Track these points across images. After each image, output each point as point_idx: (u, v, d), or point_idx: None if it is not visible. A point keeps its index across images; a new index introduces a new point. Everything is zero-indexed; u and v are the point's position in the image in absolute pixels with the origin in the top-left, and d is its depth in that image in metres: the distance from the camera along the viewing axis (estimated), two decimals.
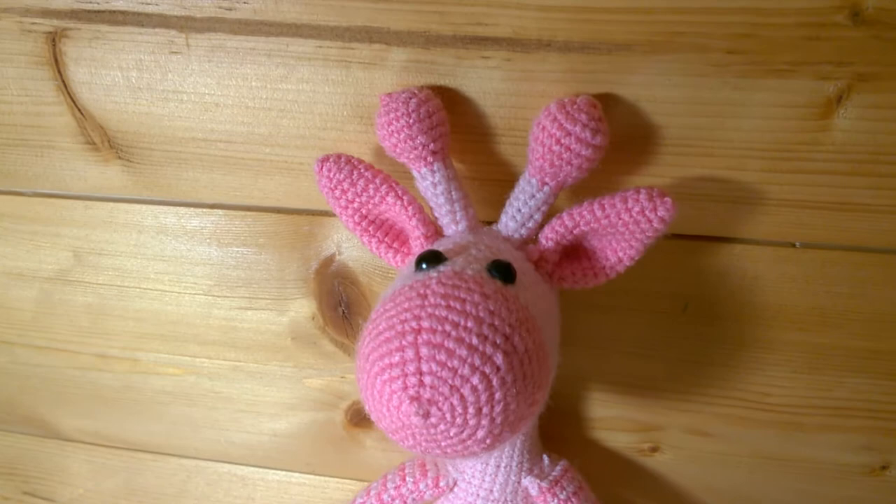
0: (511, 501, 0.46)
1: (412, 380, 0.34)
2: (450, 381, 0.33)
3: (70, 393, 0.61)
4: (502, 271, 0.37)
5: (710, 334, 0.47)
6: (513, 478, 0.46)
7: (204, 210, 0.51)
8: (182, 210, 0.52)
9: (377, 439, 0.56)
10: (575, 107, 0.38)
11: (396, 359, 0.34)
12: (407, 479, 0.48)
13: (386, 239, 0.43)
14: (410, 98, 0.40)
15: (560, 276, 0.41)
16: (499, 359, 0.34)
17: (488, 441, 0.35)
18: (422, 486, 0.48)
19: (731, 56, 0.37)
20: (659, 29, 0.37)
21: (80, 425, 0.63)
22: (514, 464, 0.46)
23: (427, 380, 0.33)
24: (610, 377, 0.49)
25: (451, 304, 0.35)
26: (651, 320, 0.47)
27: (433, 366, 0.33)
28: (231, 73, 0.44)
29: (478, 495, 0.46)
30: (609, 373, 0.49)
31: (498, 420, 0.34)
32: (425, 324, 0.34)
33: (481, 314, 0.34)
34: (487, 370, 0.34)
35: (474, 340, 0.34)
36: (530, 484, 0.46)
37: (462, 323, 0.34)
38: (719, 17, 0.36)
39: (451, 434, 0.34)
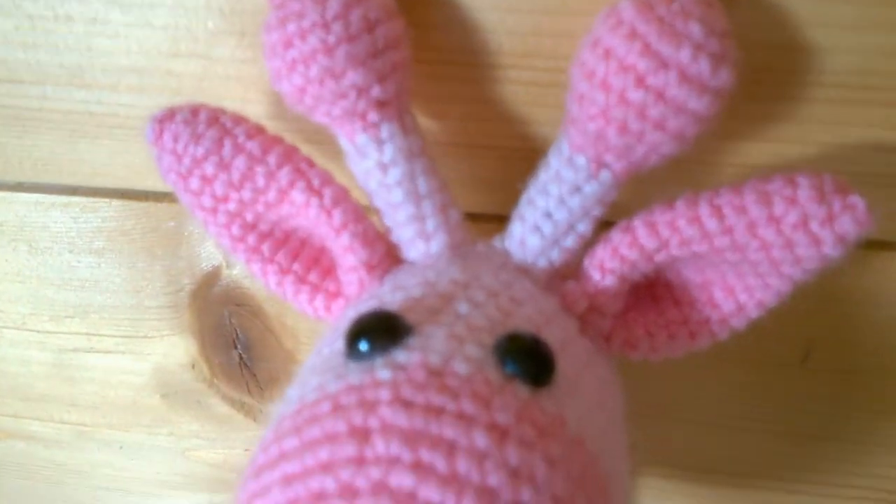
0: None
1: None
2: None
3: None
4: (530, 362, 0.18)
5: (841, 396, 0.29)
6: None
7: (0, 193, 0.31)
8: None
9: None
10: (675, 7, 0.18)
11: None
12: None
13: (294, 267, 0.23)
14: None
15: (626, 340, 0.22)
16: None
17: None
18: None
19: None
20: None
21: None
22: None
23: None
24: (684, 456, 0.31)
25: (425, 457, 0.15)
26: (751, 375, 0.29)
27: None
28: None
29: None
30: (683, 450, 0.31)
31: None
32: None
33: (492, 480, 0.15)
34: None
35: None
36: None
37: None
38: None
39: None
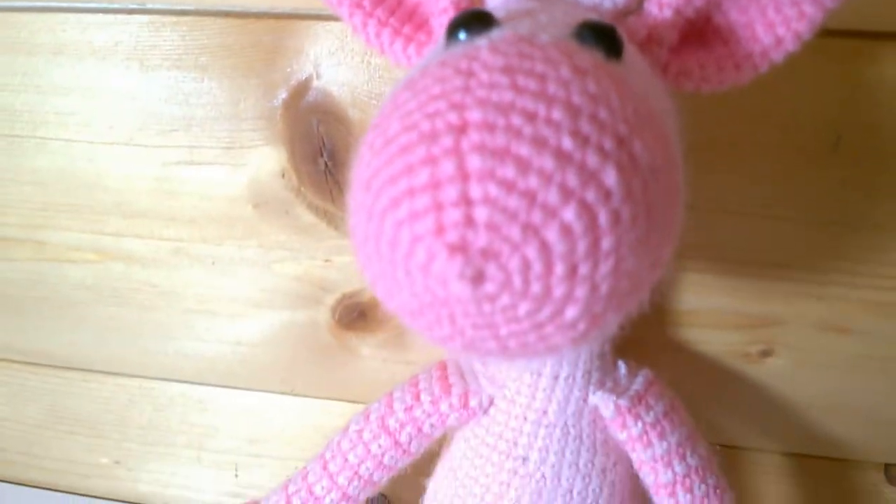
0: (573, 426, 0.32)
1: (453, 215, 0.18)
2: (522, 218, 0.18)
3: None
4: (602, 37, 0.21)
5: (871, 182, 0.32)
6: (576, 393, 0.31)
7: (118, 17, 0.35)
8: (86, 18, 0.36)
9: (376, 345, 0.41)
10: None
11: (423, 179, 0.19)
12: (422, 397, 0.33)
13: (391, 21, 0.27)
14: None
15: (680, 70, 0.25)
16: (610, 176, 0.19)
17: (581, 326, 0.20)
18: (443, 406, 0.33)
19: None
20: None
21: None
22: (578, 374, 0.31)
23: (481, 214, 0.18)
24: (713, 250, 0.34)
25: (521, 81, 0.19)
26: (780, 163, 0.32)
27: (491, 188, 0.18)
28: None
29: (525, 418, 0.32)
30: (712, 243, 0.34)
31: (603, 287, 0.19)
32: (475, 115, 0.19)
33: (576, 99, 0.19)
34: (590, 196, 0.18)
35: (566, 142, 0.18)
36: (602, 401, 0.31)
37: (542, 112, 0.19)
38: None
39: (521, 313, 0.19)
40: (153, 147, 0.37)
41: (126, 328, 0.45)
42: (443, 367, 0.34)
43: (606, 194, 0.19)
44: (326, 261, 0.39)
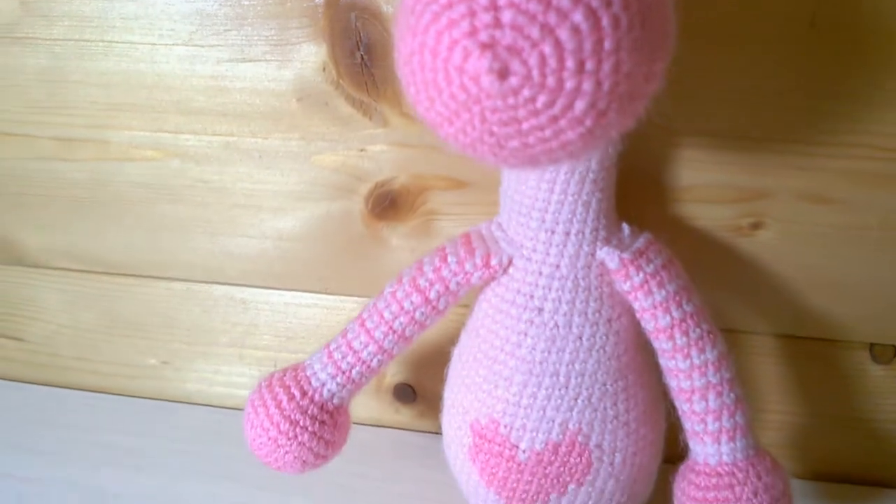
0: (583, 278, 0.36)
1: (484, 18, 0.23)
2: (540, 19, 0.23)
3: (30, 195, 0.51)
4: None
5: (846, 57, 0.36)
6: (585, 248, 0.36)
7: None
8: None
9: (405, 235, 0.46)
10: None
11: None
12: (449, 259, 0.38)
13: None
14: None
15: None
16: None
17: (588, 121, 0.24)
18: (468, 265, 0.37)
19: None
20: None
21: (46, 243, 0.53)
22: (587, 230, 0.36)
23: (506, 16, 0.23)
24: (704, 126, 0.38)
25: None
26: (762, 43, 0.36)
27: None
28: None
29: (540, 273, 0.36)
30: (703, 121, 0.38)
31: (606, 84, 0.24)
32: None
33: None
34: (595, 2, 0.23)
35: None
36: (608, 256, 0.36)
37: None
38: None
39: (539, 105, 0.24)
40: (209, 46, 0.42)
41: (178, 227, 0.49)
42: (466, 235, 0.39)
43: (608, 1, 0.23)
44: (361, 150, 0.43)
